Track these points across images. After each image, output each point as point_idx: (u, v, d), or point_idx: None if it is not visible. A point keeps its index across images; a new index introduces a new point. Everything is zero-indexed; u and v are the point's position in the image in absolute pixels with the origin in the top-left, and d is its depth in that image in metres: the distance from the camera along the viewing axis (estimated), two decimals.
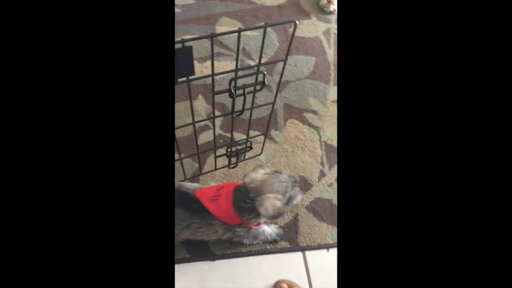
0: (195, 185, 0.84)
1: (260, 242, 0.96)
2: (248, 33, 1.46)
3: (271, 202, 0.71)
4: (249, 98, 0.79)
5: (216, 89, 0.71)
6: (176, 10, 1.53)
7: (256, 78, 0.72)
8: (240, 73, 0.70)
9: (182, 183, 0.83)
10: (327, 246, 1.00)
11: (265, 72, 0.71)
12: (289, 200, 0.76)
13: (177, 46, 0.56)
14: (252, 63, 1.38)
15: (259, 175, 0.75)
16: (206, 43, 1.40)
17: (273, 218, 0.79)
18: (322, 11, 1.62)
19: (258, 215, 0.75)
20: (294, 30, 0.65)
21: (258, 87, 0.74)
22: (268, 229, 0.95)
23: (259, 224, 0.84)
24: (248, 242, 0.91)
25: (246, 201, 0.74)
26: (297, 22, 0.63)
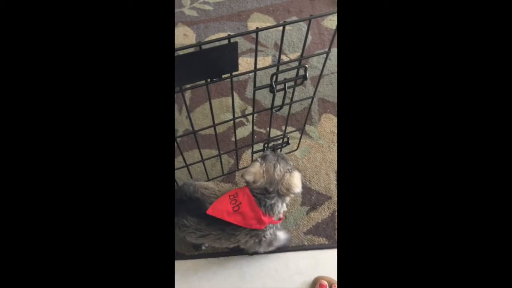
0: (210, 186, 0.82)
1: (274, 248, 0.92)
2: (281, 28, 1.44)
3: (293, 176, 0.72)
4: (288, 93, 0.78)
5: (251, 86, 0.71)
6: (208, 7, 1.55)
7: (297, 72, 0.72)
8: (281, 68, 0.70)
9: (197, 183, 0.80)
10: None
11: (306, 66, 0.69)
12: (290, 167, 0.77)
13: (223, 42, 0.56)
14: (285, 58, 1.36)
15: (256, 167, 0.73)
16: (238, 39, 1.41)
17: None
18: None
19: (281, 196, 0.74)
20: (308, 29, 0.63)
21: (298, 81, 0.73)
22: (281, 235, 0.92)
23: (281, 219, 0.82)
24: (263, 251, 0.89)
25: (271, 197, 0.73)
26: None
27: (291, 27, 1.46)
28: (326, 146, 1.15)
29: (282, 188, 0.72)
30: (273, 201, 0.73)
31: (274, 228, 0.81)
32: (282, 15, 1.51)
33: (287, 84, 0.72)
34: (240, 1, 1.56)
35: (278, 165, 0.73)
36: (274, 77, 0.68)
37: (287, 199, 0.77)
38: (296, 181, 0.72)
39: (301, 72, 0.71)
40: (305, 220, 1.01)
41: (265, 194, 0.73)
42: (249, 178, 0.73)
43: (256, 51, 0.63)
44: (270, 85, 0.69)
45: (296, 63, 0.70)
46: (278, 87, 0.71)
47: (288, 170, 0.74)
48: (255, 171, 0.73)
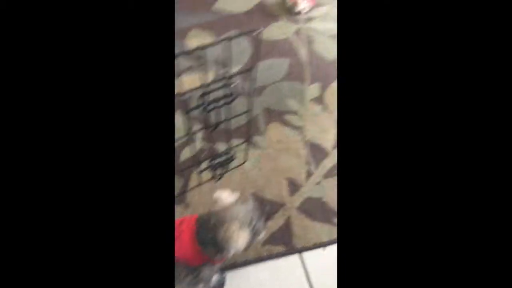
0: None
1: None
2: (221, 42, 1.46)
3: (240, 234, 0.64)
4: (226, 108, 0.79)
5: (193, 103, 0.71)
6: None
7: (227, 90, 0.73)
8: (211, 87, 0.70)
9: None
10: (323, 245, 1.01)
11: (235, 83, 0.71)
12: (254, 234, 0.69)
13: None
14: (227, 73, 1.38)
15: (228, 197, 0.70)
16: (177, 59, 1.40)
17: (240, 250, 0.68)
18: (290, 12, 1.63)
19: (221, 248, 0.65)
20: (259, 35, 0.65)
21: (229, 99, 0.74)
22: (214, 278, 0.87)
23: (223, 259, 0.73)
24: None
25: (208, 228, 0.66)
26: (260, 29, 0.63)
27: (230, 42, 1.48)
28: (275, 155, 1.18)
29: (222, 234, 0.64)
30: (209, 236, 0.66)
31: (214, 268, 0.75)
32: (220, 30, 1.53)
33: (220, 102, 0.73)
34: (177, 19, 1.56)
35: (243, 214, 0.66)
36: (205, 97, 0.69)
37: (229, 254, 0.66)
38: (238, 237, 0.64)
39: (231, 90, 0.72)
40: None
41: (206, 227, 0.66)
42: (218, 195, 0.71)
43: (180, 73, 0.63)
44: (199, 106, 0.69)
45: (234, 79, 0.71)
46: (213, 105, 0.72)
47: (246, 229, 0.66)
48: (227, 197, 0.70)
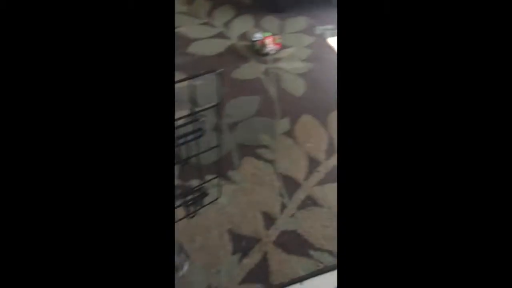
0: None
1: None
2: (194, 83, 1.51)
3: None
4: (197, 143, 0.81)
5: None
6: None
7: (196, 126, 0.75)
8: (180, 123, 0.72)
9: None
10: (300, 279, 0.98)
11: (203, 119, 0.73)
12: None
13: None
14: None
15: None
16: None
17: None
18: (258, 53, 1.75)
19: None
20: (227, 74, 0.69)
21: (198, 134, 0.75)
22: None
23: None
24: None
25: None
26: (217, 72, 0.67)
27: (202, 82, 1.54)
28: (249, 188, 1.18)
29: None
30: None
31: None
32: (192, 72, 1.60)
33: (190, 137, 0.74)
34: None
35: None
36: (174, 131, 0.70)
37: None
38: None
39: (200, 125, 0.74)
40: (238, 269, 0.98)
41: None
42: None
43: None
44: None
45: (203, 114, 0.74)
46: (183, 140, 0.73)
47: None
48: None
